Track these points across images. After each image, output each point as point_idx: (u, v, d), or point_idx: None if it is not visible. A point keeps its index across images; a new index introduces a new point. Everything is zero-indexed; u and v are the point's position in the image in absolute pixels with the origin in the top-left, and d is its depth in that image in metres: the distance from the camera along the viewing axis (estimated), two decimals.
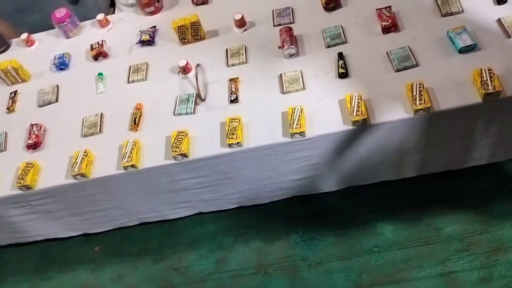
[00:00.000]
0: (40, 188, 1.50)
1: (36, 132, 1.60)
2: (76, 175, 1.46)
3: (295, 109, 1.39)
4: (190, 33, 1.70)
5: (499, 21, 1.46)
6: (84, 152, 1.50)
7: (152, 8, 1.89)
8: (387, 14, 1.56)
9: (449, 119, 1.38)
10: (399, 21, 1.56)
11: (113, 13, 2.68)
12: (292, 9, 1.72)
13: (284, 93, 1.49)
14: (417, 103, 1.32)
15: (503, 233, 1.50)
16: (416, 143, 1.45)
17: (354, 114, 1.34)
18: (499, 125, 1.42)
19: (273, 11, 1.73)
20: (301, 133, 1.37)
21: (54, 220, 1.67)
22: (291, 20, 1.69)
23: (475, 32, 1.45)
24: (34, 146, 1.58)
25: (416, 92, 1.34)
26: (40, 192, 1.51)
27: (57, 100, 1.73)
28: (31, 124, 1.63)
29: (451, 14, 1.53)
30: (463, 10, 1.53)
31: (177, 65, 1.61)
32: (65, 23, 1.90)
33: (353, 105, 1.36)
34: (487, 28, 1.46)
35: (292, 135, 1.37)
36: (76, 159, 1.48)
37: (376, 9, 1.59)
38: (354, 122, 1.35)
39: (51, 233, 1.75)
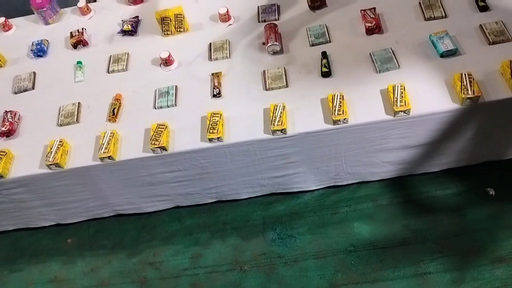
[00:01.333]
0: (13, 177, 1.46)
1: (10, 119, 1.56)
2: (51, 164, 1.42)
3: (277, 106, 1.39)
4: (174, 25, 1.67)
5: (480, 27, 1.49)
6: (59, 141, 1.46)
7: None
8: (371, 16, 1.57)
9: (429, 122, 1.39)
10: (383, 23, 1.56)
11: (95, 1, 2.62)
12: (277, 6, 1.71)
13: (267, 89, 1.48)
14: (398, 105, 1.33)
15: (476, 236, 1.52)
16: (395, 144, 1.46)
17: (336, 114, 1.34)
18: (477, 129, 1.45)
19: (258, 7, 1.72)
20: (282, 130, 1.36)
21: (26, 210, 1.63)
22: (276, 17, 1.68)
23: (456, 37, 1.47)
24: (7, 133, 1.54)
25: (397, 94, 1.35)
26: (13, 181, 1.47)
27: (33, 88, 1.68)
28: (5, 111, 1.58)
29: (434, 18, 1.55)
30: (446, 15, 1.55)
31: (159, 56, 1.58)
32: (45, 9, 1.85)
33: (335, 104, 1.36)
34: (468, 33, 1.49)
35: (273, 132, 1.37)
36: (51, 149, 1.45)
37: (361, 10, 1.60)
38: (335, 121, 1.35)
39: (22, 223, 1.70)
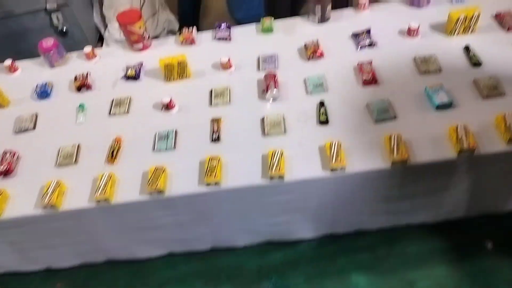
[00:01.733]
0: (6, 218, 1.44)
1: (9, 159, 1.56)
2: (46, 205, 1.41)
3: (275, 152, 1.40)
4: (176, 71, 1.72)
5: (475, 81, 1.53)
6: (56, 182, 1.46)
7: (140, 45, 1.92)
8: (368, 68, 1.62)
9: (425, 172, 1.41)
10: (379, 76, 1.61)
11: (101, 47, 2.71)
12: (277, 56, 1.76)
13: (265, 135, 1.50)
14: (395, 154, 1.35)
15: None
16: (391, 194, 1.46)
17: (333, 161, 1.35)
18: (473, 181, 1.45)
19: (259, 56, 1.78)
20: (280, 177, 1.37)
21: (17, 252, 1.60)
22: (276, 66, 1.73)
23: (452, 91, 1.51)
24: (5, 173, 1.53)
25: (394, 144, 1.37)
26: (6, 221, 1.45)
27: (34, 128, 1.70)
28: (4, 151, 1.58)
29: (429, 72, 1.60)
30: (441, 70, 1.60)
31: (160, 101, 1.61)
32: (51, 52, 1.90)
33: (332, 152, 1.37)
34: (463, 87, 1.53)
35: (271, 178, 1.37)
36: (48, 189, 1.44)
37: (358, 63, 1.65)
38: (333, 169, 1.36)
39: (12, 266, 1.66)
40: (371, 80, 1.59)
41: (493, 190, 1.51)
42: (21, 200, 1.47)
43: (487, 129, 1.40)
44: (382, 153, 1.39)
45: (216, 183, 1.39)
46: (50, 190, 1.44)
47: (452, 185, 1.47)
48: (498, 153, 1.36)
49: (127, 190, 1.44)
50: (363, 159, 1.39)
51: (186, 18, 2.60)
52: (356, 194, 1.46)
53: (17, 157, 1.59)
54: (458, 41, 1.68)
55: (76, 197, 1.46)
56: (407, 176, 1.41)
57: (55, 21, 2.67)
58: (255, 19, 1.96)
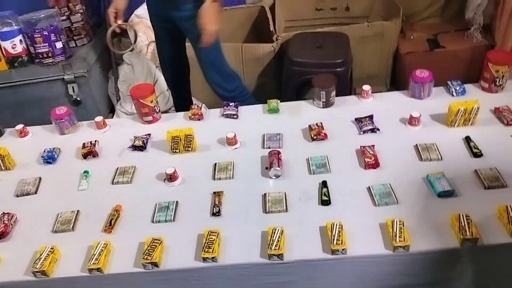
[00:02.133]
0: None
1: (6, 221, 1.54)
2: (37, 272, 1.37)
3: (275, 230, 1.38)
4: (183, 144, 1.76)
5: (475, 172, 1.55)
6: (51, 248, 1.43)
7: (150, 118, 1.98)
8: (370, 152, 1.65)
9: (428, 260, 1.37)
10: (381, 160, 1.64)
11: (112, 117, 2.79)
12: (281, 135, 1.81)
13: (266, 212, 1.49)
14: (397, 240, 1.33)
15: None
16: (393, 280, 1.42)
17: (335, 243, 1.33)
18: (476, 272, 1.41)
19: (264, 134, 1.83)
20: (279, 256, 1.34)
21: None
22: (280, 145, 1.77)
23: (453, 180, 1.52)
24: (0, 236, 1.51)
25: (396, 229, 1.36)
26: None
27: (36, 192, 1.70)
28: (3, 213, 1.57)
29: (431, 160, 1.62)
30: (441, 158, 1.63)
31: (164, 172, 1.63)
32: (63, 120, 1.96)
33: (333, 233, 1.36)
34: (464, 177, 1.54)
35: (270, 256, 1.34)
36: (41, 255, 1.40)
37: (361, 146, 1.69)
38: (333, 251, 1.33)
39: None
40: (374, 164, 1.61)
41: (497, 282, 1.46)
42: (13, 264, 1.43)
43: (490, 220, 1.39)
44: (383, 237, 1.37)
45: (213, 259, 1.35)
46: (43, 256, 1.40)
47: (455, 275, 1.42)
48: (501, 244, 1.33)
49: (122, 260, 1.41)
50: (364, 242, 1.37)
51: (179, 100, 2.67)
52: (358, 280, 1.41)
53: (15, 220, 1.58)
54: (458, 132, 1.73)
55: (69, 264, 1.42)
56: (409, 263, 1.37)
57: (70, 91, 2.79)
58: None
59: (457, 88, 1.94)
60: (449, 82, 1.98)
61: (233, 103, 2.02)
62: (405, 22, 2.91)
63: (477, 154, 1.62)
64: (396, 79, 3.01)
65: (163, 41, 2.37)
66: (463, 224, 1.34)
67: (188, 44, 2.36)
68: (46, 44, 2.64)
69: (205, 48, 2.09)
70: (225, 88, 2.35)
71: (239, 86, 2.41)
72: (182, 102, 2.61)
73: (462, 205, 1.44)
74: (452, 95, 1.94)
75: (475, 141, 1.67)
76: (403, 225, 1.36)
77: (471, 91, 1.96)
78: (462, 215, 1.36)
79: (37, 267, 1.37)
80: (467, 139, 1.69)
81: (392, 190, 1.51)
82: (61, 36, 2.69)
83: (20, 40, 2.65)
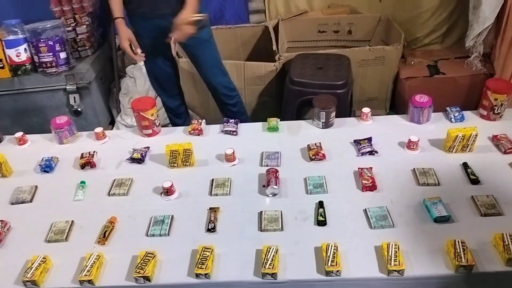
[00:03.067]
0: None
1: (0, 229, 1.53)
2: (27, 281, 1.35)
3: (270, 248, 1.37)
4: (181, 158, 1.76)
5: (472, 198, 1.55)
6: (43, 258, 1.41)
7: (150, 131, 1.98)
8: (368, 174, 1.65)
9: (421, 285, 1.36)
10: (378, 182, 1.64)
11: (112, 129, 2.80)
12: (280, 154, 1.82)
13: (261, 230, 1.48)
14: (392, 263, 1.32)
15: None
16: None
17: (329, 264, 1.32)
18: None
19: (262, 152, 1.83)
20: (273, 275, 1.32)
21: None
22: (278, 164, 1.77)
23: (450, 205, 1.52)
24: None
25: (392, 253, 1.35)
26: None
27: (31, 201, 1.69)
28: None
29: (428, 185, 1.63)
30: (439, 183, 1.63)
31: (161, 185, 1.63)
32: (63, 129, 1.96)
33: (328, 254, 1.35)
34: (461, 203, 1.54)
35: (264, 275, 1.33)
36: (32, 264, 1.39)
37: (359, 168, 1.69)
38: (328, 272, 1.32)
39: None
40: (371, 186, 1.61)
41: None
42: (4, 272, 1.42)
43: (485, 247, 1.38)
44: (378, 260, 1.36)
45: (206, 275, 1.34)
46: (34, 265, 1.39)
47: None
48: (496, 272, 1.33)
49: (114, 273, 1.39)
50: (359, 264, 1.36)
51: (172, 112, 2.69)
52: None
53: (8, 228, 1.57)
54: (456, 158, 1.74)
55: (61, 275, 1.40)
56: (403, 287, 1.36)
57: (71, 101, 2.80)
58: None
59: (456, 115, 1.96)
60: (448, 108, 2.00)
61: (232, 120, 2.03)
62: (406, 47, 2.95)
63: (474, 181, 1.63)
64: (396, 103, 3.03)
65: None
66: (458, 250, 1.34)
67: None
68: (51, 53, 2.66)
69: (208, 51, 2.31)
70: (229, 87, 2.48)
71: (238, 94, 2.55)
72: (177, 113, 2.67)
73: (458, 231, 1.44)
74: (451, 121, 1.96)
75: (473, 168, 1.68)
76: (399, 249, 1.36)
77: (470, 118, 1.98)
78: (458, 241, 1.36)
79: (27, 276, 1.36)
80: (465, 165, 1.69)
81: (389, 213, 1.51)
82: (65, 47, 2.72)
83: (25, 49, 2.67)
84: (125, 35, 2.19)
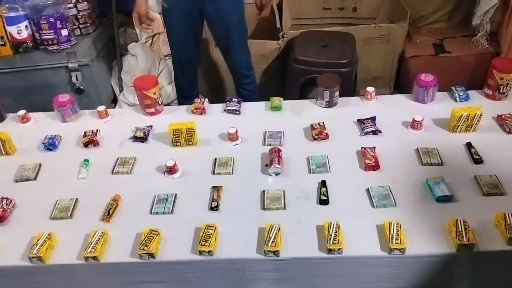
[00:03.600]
0: None
1: (4, 206, 1.54)
2: (33, 257, 1.37)
3: (273, 226, 1.38)
4: (184, 137, 1.76)
5: (475, 178, 1.55)
6: (48, 235, 1.43)
7: (152, 110, 1.98)
8: (371, 154, 1.65)
9: (423, 264, 1.38)
10: (381, 162, 1.64)
11: (114, 107, 2.79)
12: (283, 133, 1.81)
13: (264, 209, 1.49)
14: (394, 242, 1.33)
15: None
16: (387, 283, 1.42)
17: (331, 242, 1.33)
18: (471, 278, 1.42)
19: (265, 132, 1.83)
20: (275, 252, 1.34)
21: None
22: (281, 143, 1.77)
23: (452, 185, 1.52)
24: None
25: (393, 231, 1.36)
26: None
27: (35, 178, 1.70)
28: (1, 198, 1.58)
29: (431, 164, 1.62)
30: (442, 163, 1.63)
31: (164, 164, 1.63)
32: (65, 107, 1.96)
33: (330, 233, 1.36)
34: (463, 183, 1.54)
35: (266, 252, 1.34)
36: (38, 241, 1.41)
37: (362, 147, 1.69)
38: (329, 250, 1.33)
39: None
40: (374, 166, 1.61)
41: None
42: (9, 249, 1.44)
43: (487, 227, 1.39)
44: (380, 239, 1.37)
45: (209, 252, 1.36)
46: (40, 242, 1.41)
47: (450, 281, 1.43)
48: (497, 252, 1.34)
49: (118, 250, 1.41)
50: (361, 243, 1.37)
51: (183, 94, 2.66)
52: (352, 280, 1.42)
53: (13, 205, 1.58)
54: (460, 138, 1.73)
55: (66, 252, 1.42)
56: (403, 266, 1.38)
57: (74, 79, 2.78)
58: None
59: (461, 94, 1.94)
60: (453, 88, 1.98)
61: (235, 99, 2.02)
62: (412, 25, 2.90)
63: (477, 161, 1.62)
64: (400, 82, 3.01)
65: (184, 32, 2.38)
66: (460, 229, 1.34)
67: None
68: (52, 31, 2.63)
69: (238, 32, 2.34)
70: (248, 67, 2.47)
71: (254, 74, 2.55)
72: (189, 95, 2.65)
73: (460, 210, 1.44)
74: (456, 100, 1.94)
75: (476, 148, 1.67)
76: (400, 228, 1.37)
77: (475, 97, 1.96)
78: (460, 221, 1.36)
79: (33, 252, 1.38)
80: (468, 145, 1.69)
81: (391, 193, 1.51)
82: (67, 24, 2.69)
83: (26, 26, 2.64)
84: (137, 8, 2.20)
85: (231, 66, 2.48)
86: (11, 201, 1.58)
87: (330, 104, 1.95)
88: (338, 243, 1.33)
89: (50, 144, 1.83)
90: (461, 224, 1.36)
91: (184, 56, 2.45)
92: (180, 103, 2.70)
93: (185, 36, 2.35)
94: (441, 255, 1.34)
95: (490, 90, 1.93)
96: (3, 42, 2.64)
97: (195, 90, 2.68)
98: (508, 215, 1.36)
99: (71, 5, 2.79)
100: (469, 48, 2.73)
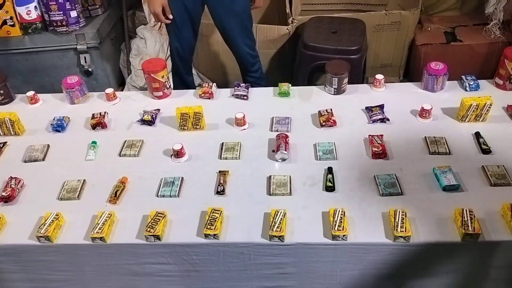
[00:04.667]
0: (0, 244, 1.42)
1: (13, 186, 1.56)
2: (41, 236, 1.39)
3: (278, 212, 1.39)
4: (191, 121, 1.76)
5: (483, 168, 1.54)
6: (56, 215, 1.45)
7: (160, 93, 1.98)
8: (378, 141, 1.64)
9: (428, 252, 1.38)
10: (388, 150, 1.63)
11: (122, 90, 2.78)
12: (290, 119, 1.81)
13: (270, 194, 1.50)
14: (398, 230, 1.33)
15: None
16: (391, 270, 1.43)
17: (336, 229, 1.34)
18: (476, 267, 1.42)
19: (273, 117, 1.82)
20: (280, 237, 1.35)
21: (2, 282, 1.55)
22: (288, 129, 1.76)
23: (459, 174, 1.52)
24: (7, 199, 1.53)
25: (399, 219, 1.36)
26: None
27: (43, 159, 1.72)
28: (10, 177, 1.60)
29: (439, 153, 1.62)
30: (450, 152, 1.62)
31: (171, 148, 1.64)
32: (74, 89, 1.97)
33: (335, 219, 1.36)
34: (471, 173, 1.54)
35: (271, 237, 1.35)
36: (46, 221, 1.43)
37: (369, 135, 1.68)
38: (334, 237, 1.34)
39: None
40: (381, 154, 1.61)
41: (497, 280, 1.47)
42: (18, 228, 1.46)
43: (493, 217, 1.39)
44: (385, 227, 1.38)
45: (215, 236, 1.37)
46: (48, 222, 1.42)
47: (454, 270, 1.43)
48: (503, 241, 1.33)
49: (125, 231, 1.43)
50: (366, 230, 1.38)
51: (180, 80, 2.57)
52: (356, 267, 1.43)
53: (22, 185, 1.60)
54: (468, 127, 1.72)
55: (73, 232, 1.44)
56: (409, 254, 1.38)
57: (82, 61, 2.78)
58: None
59: (471, 83, 1.92)
60: (463, 77, 1.96)
61: (243, 84, 2.01)
62: (423, 13, 2.86)
63: (485, 151, 1.61)
64: (410, 71, 2.97)
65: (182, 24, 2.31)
66: (466, 219, 1.34)
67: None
68: (61, 12, 2.63)
69: (245, 17, 2.26)
70: (252, 54, 2.42)
71: (259, 61, 2.48)
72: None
73: (466, 200, 1.44)
74: (466, 90, 1.92)
75: (485, 138, 1.66)
76: (406, 216, 1.37)
77: (485, 87, 1.94)
78: (466, 210, 1.36)
79: (41, 232, 1.40)
80: (477, 135, 1.68)
81: (397, 181, 1.51)
82: (76, 5, 2.68)
83: (35, 7, 2.64)
84: (159, 1, 2.12)
85: (236, 55, 2.44)
86: (20, 181, 1.60)
87: (339, 91, 1.94)
88: (343, 230, 1.34)
89: (59, 126, 1.84)
90: (467, 213, 1.35)
91: (181, 42, 2.37)
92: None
93: (183, 22, 2.27)
94: (446, 244, 1.34)
95: (501, 80, 1.91)
96: (13, 23, 2.65)
97: (191, 78, 2.63)
98: None
99: None
100: (481, 37, 2.69)
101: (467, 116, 1.73)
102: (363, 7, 3.07)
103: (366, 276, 1.46)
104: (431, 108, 1.75)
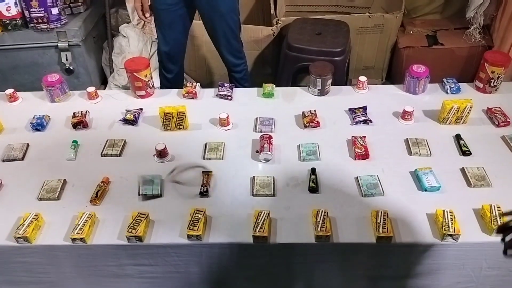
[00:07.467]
0: None
1: None
2: (20, 237, 1.36)
3: (261, 212, 1.39)
4: (174, 121, 1.75)
5: (463, 170, 1.57)
6: (35, 215, 1.42)
7: (143, 92, 1.96)
8: (361, 143, 1.66)
9: (409, 253, 1.39)
10: (371, 151, 1.64)
11: (104, 88, 2.74)
12: (274, 120, 1.81)
13: (253, 195, 1.50)
14: (380, 230, 1.34)
15: None
16: (374, 271, 1.44)
17: (319, 229, 1.34)
18: (456, 268, 1.44)
19: (256, 118, 1.82)
20: (263, 238, 1.34)
21: None
22: (272, 130, 1.77)
23: (440, 176, 1.54)
24: None
25: (380, 220, 1.37)
26: None
27: (23, 159, 1.68)
28: None
29: (420, 155, 1.64)
30: (431, 154, 1.64)
31: (154, 148, 1.62)
32: (54, 87, 1.93)
33: (318, 220, 1.37)
34: (451, 174, 1.56)
35: (254, 238, 1.35)
36: (24, 221, 1.40)
37: (352, 136, 1.69)
38: (317, 237, 1.34)
39: None
40: (364, 155, 1.62)
41: (474, 282, 1.49)
42: None
43: (473, 218, 1.41)
44: (367, 227, 1.39)
45: (198, 237, 1.36)
46: (26, 222, 1.39)
47: (435, 270, 1.45)
48: (483, 243, 1.36)
49: (106, 232, 1.41)
50: (348, 231, 1.38)
51: (167, 80, 2.52)
52: (338, 267, 1.43)
53: (0, 185, 1.56)
54: (449, 130, 1.75)
55: (53, 233, 1.41)
56: (390, 254, 1.40)
57: (63, 59, 2.74)
58: None
59: (452, 86, 1.95)
60: (444, 80, 1.99)
61: (227, 84, 2.00)
62: (406, 16, 2.90)
63: (466, 153, 1.64)
64: (392, 73, 3.01)
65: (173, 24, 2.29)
66: (446, 220, 1.36)
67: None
68: (42, 9, 2.58)
69: (232, 18, 2.22)
70: (238, 56, 2.38)
71: (245, 62, 2.45)
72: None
73: (446, 201, 1.46)
74: (447, 92, 1.95)
75: (465, 140, 1.68)
76: (388, 217, 1.38)
77: (466, 90, 1.97)
78: (446, 211, 1.38)
79: (20, 232, 1.37)
80: (458, 137, 1.70)
81: (380, 182, 1.53)
82: (57, 2, 2.63)
83: (15, 3, 2.59)
84: None
85: (221, 55, 2.42)
86: None
87: (322, 92, 1.95)
88: (326, 231, 1.34)
89: (38, 124, 1.81)
90: (447, 214, 1.37)
91: (171, 44, 2.34)
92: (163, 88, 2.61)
93: (172, 23, 2.25)
94: (426, 244, 1.36)
95: (481, 83, 1.94)
96: None
97: (181, 77, 2.57)
98: (494, 207, 1.38)
99: None
100: (462, 40, 2.74)
101: (448, 119, 1.76)
102: (347, 9, 3.09)
103: (350, 277, 1.47)
104: (413, 110, 1.77)
